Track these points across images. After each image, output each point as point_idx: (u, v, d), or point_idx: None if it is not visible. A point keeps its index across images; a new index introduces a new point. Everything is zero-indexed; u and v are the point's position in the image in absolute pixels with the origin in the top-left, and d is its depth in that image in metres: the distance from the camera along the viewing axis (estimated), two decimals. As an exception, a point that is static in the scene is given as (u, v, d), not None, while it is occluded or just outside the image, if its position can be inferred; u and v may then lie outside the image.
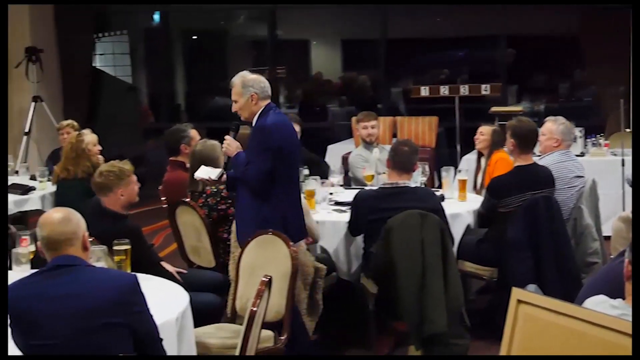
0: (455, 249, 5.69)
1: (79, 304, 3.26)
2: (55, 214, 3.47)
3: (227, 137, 5.51)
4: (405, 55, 12.90)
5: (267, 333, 4.66)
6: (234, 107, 5.48)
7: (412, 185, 5.80)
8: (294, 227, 5.26)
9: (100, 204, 5.03)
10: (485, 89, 10.05)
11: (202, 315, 4.65)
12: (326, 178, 7.13)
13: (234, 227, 5.44)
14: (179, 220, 6.09)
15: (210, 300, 5.26)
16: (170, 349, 3.64)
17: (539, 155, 6.33)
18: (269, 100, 5.41)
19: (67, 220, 3.45)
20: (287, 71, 13.00)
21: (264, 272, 4.21)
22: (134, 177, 5.16)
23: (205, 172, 5.41)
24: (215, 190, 5.90)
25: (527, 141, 5.95)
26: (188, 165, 6.42)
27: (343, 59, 13.97)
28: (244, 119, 5.51)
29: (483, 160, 7.17)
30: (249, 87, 5.38)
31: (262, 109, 5.37)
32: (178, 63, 13.98)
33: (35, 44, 11.44)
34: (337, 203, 6.44)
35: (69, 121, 8.71)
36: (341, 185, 7.17)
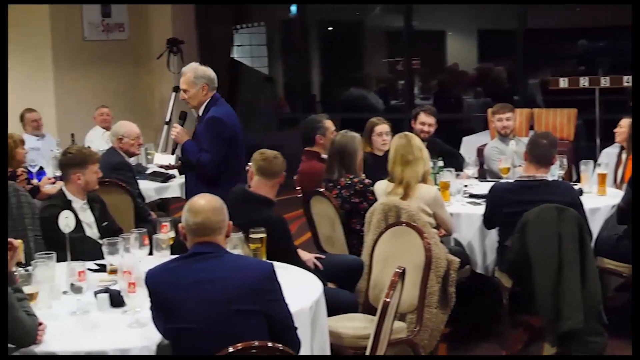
0: (592, 244, 5.55)
1: (217, 290, 3.34)
2: (211, 202, 3.54)
3: (175, 125, 6.02)
4: (543, 45, 12.61)
5: (400, 324, 4.67)
6: (184, 96, 5.95)
7: (550, 178, 5.68)
8: None
9: (246, 191, 5.11)
10: (627, 81, 9.73)
11: (336, 304, 4.68)
12: (461, 170, 7.07)
13: None
14: (313, 210, 6.15)
15: (344, 291, 5.27)
16: (304, 337, 3.69)
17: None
18: (215, 91, 5.91)
19: (221, 208, 3.54)
20: (422, 62, 12.92)
21: (397, 263, 4.20)
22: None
23: (163, 159, 5.76)
24: (349, 182, 5.93)
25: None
26: (323, 155, 6.48)
27: (479, 49, 13.76)
28: (191, 107, 6.01)
29: (624, 154, 6.96)
30: (200, 78, 5.89)
31: (209, 99, 5.90)
32: (314, 54, 14.08)
33: (176, 35, 11.74)
34: (472, 195, 6.37)
35: None
36: (476, 178, 7.09)
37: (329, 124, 6.83)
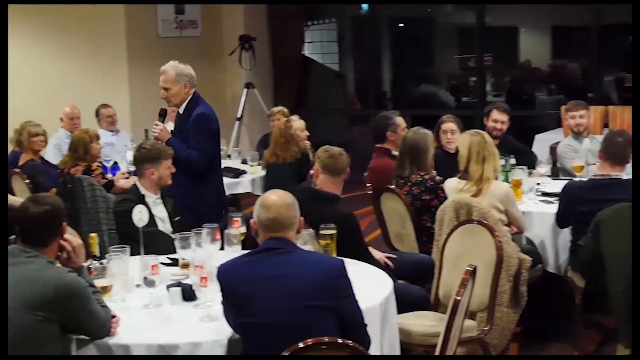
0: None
1: (288, 286, 3.36)
2: (283, 198, 3.57)
3: (157, 122, 5.99)
4: (618, 41, 12.38)
5: (470, 323, 4.64)
6: (165, 94, 5.95)
7: (625, 177, 5.58)
8: (224, 199, 6.35)
9: (313, 189, 5.12)
10: None
11: (406, 300, 4.67)
12: (533, 168, 6.98)
13: None
14: (383, 207, 6.14)
15: (414, 287, 5.26)
16: (374, 334, 3.68)
17: None
18: (195, 89, 5.96)
19: (293, 204, 3.56)
20: (494, 58, 12.79)
21: (468, 261, 4.17)
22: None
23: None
24: (420, 179, 5.91)
25: None
26: (394, 152, 6.47)
27: (553, 46, 13.58)
28: (172, 106, 6.04)
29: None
30: (182, 76, 5.92)
31: (190, 97, 5.93)
32: (384, 50, 14.04)
33: (248, 32, 11.81)
34: (545, 194, 6.29)
35: (280, 108, 8.96)
36: (549, 176, 7.00)
37: (400, 120, 6.82)
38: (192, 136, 5.89)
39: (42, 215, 3.58)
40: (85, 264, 4.21)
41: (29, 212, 3.58)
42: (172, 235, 4.94)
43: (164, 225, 5.32)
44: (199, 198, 5.90)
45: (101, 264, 4.07)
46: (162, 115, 6.03)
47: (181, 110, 6.01)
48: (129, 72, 10.97)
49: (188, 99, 5.97)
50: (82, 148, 7.12)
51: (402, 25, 14.47)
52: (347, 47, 14.40)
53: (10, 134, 7.83)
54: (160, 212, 5.36)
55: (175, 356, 3.48)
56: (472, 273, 3.99)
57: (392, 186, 5.98)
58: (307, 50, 13.50)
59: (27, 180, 7.10)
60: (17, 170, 7.27)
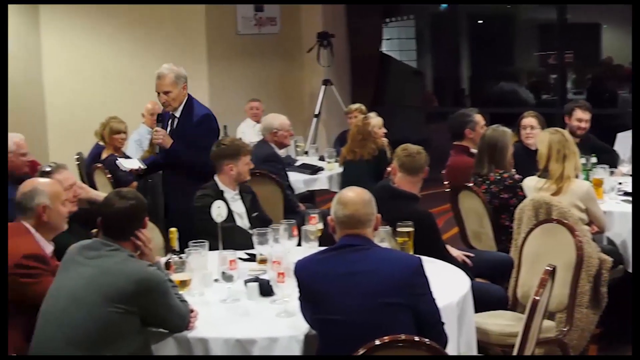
0: None
1: (365, 283, 3.36)
2: (360, 194, 3.56)
3: (158, 129, 5.85)
4: None
5: (549, 323, 4.58)
6: (165, 98, 5.82)
7: None
8: None
9: (391, 186, 5.10)
10: None
11: (485, 298, 4.63)
12: (615, 167, 6.86)
13: None
14: (461, 205, 6.10)
15: (493, 285, 5.20)
16: (451, 332, 3.66)
17: None
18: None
19: (370, 201, 3.56)
20: (575, 55, 12.59)
21: (547, 261, 4.12)
22: None
23: (130, 163, 5.72)
24: (498, 178, 5.85)
25: None
26: (472, 149, 6.42)
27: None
28: (170, 110, 5.88)
29: None
30: (181, 78, 5.84)
31: (186, 98, 5.87)
32: (463, 47, 13.94)
33: (326, 29, 11.84)
34: (627, 193, 6.17)
35: (358, 105, 8.97)
36: (631, 175, 6.87)
37: (478, 118, 6.76)
38: (201, 136, 5.83)
39: (127, 209, 3.66)
40: (165, 259, 4.28)
41: (114, 207, 3.66)
42: (250, 231, 4.98)
43: (242, 221, 5.36)
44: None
45: (180, 258, 4.12)
46: (161, 120, 5.92)
47: (178, 113, 5.93)
48: (209, 69, 11.09)
49: (184, 101, 5.93)
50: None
51: (481, 22, 14.34)
52: (426, 44, 14.34)
53: (97, 127, 8.01)
54: (239, 208, 5.40)
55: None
56: (552, 273, 3.94)
57: (470, 184, 5.93)
58: (385, 47, 13.47)
59: (109, 175, 7.24)
60: (99, 165, 7.41)
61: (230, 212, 5.08)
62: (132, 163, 5.74)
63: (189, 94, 5.98)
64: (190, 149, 5.83)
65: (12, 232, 3.97)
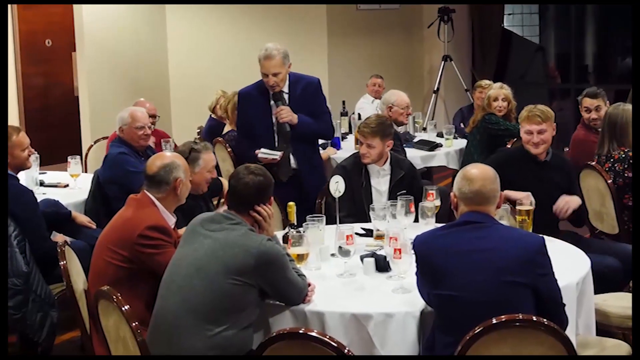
0: None
1: (487, 260, 3.33)
2: (486, 171, 3.54)
3: (282, 107, 5.74)
4: None
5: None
6: (274, 80, 5.71)
7: None
8: None
9: None
10: None
11: (604, 281, 4.53)
12: None
13: None
14: (582, 184, 5.96)
15: (613, 266, 5.06)
16: (570, 313, 3.59)
17: None
18: None
19: (495, 177, 3.54)
20: None
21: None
22: None
23: (271, 154, 5.64)
24: (623, 156, 5.69)
25: None
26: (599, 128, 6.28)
27: None
28: (278, 90, 5.76)
29: None
30: (287, 57, 5.73)
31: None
32: (588, 22, 13.57)
33: (447, 4, 11.71)
34: None
35: (487, 81, 8.78)
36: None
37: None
38: (319, 103, 5.97)
39: (256, 184, 3.74)
40: (283, 232, 4.34)
41: (242, 180, 3.74)
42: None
43: (381, 199, 5.26)
44: (320, 167, 6.17)
45: (298, 232, 4.17)
46: (280, 98, 5.81)
47: (286, 89, 5.86)
48: (328, 46, 11.12)
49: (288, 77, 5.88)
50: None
51: (607, -5, 13.93)
52: (549, 19, 14.01)
53: (212, 102, 8.13)
54: (381, 185, 5.38)
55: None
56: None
57: (593, 162, 5.80)
58: (506, 23, 13.24)
59: (229, 149, 7.36)
60: (220, 139, 7.54)
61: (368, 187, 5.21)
62: (272, 153, 5.73)
63: None
64: (314, 117, 5.89)
65: (136, 203, 4.09)
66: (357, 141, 7.51)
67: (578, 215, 5.22)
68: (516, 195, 4.71)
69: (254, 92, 5.94)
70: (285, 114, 5.76)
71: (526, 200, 4.60)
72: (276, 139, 5.86)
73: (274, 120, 5.85)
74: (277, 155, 5.68)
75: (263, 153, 5.64)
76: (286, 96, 5.87)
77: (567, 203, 5.09)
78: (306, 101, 5.87)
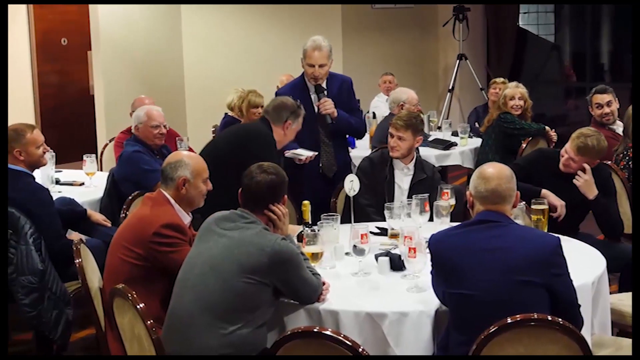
0: None
1: (502, 259, 3.33)
2: (502, 170, 3.52)
3: (326, 98, 5.73)
4: None
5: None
6: (319, 72, 5.70)
7: None
8: None
9: None
10: None
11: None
12: None
13: None
14: (598, 183, 5.94)
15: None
16: (585, 313, 3.58)
17: None
18: None
19: (511, 177, 3.53)
20: None
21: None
22: None
23: (304, 152, 5.55)
24: (638, 153, 5.68)
25: None
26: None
27: None
28: (321, 82, 5.77)
29: None
30: (331, 51, 5.74)
31: None
32: (604, 20, 13.52)
33: (462, 2, 11.69)
34: None
35: (502, 79, 8.77)
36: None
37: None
38: (352, 102, 6.04)
39: (268, 183, 3.74)
40: (298, 231, 4.34)
41: (255, 179, 3.74)
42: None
43: (402, 197, 5.24)
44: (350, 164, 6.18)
45: (313, 231, 4.17)
46: (322, 91, 5.80)
47: (324, 84, 5.86)
48: (343, 45, 11.11)
49: None
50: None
51: (623, -6, 13.86)
52: (564, 17, 13.96)
53: (228, 100, 8.12)
54: (404, 183, 5.38)
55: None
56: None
57: (608, 162, 5.77)
58: (522, 21, 13.20)
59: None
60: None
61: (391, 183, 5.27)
62: (306, 152, 5.68)
63: None
64: (350, 113, 5.96)
65: (152, 201, 4.09)
66: (372, 139, 7.56)
67: (608, 222, 5.12)
68: (554, 201, 4.75)
69: (292, 90, 5.88)
70: (329, 105, 5.77)
71: (561, 210, 4.63)
72: (321, 132, 5.88)
73: (315, 111, 5.82)
74: (304, 155, 5.59)
75: (293, 153, 5.62)
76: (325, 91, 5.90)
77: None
78: (342, 98, 5.91)
